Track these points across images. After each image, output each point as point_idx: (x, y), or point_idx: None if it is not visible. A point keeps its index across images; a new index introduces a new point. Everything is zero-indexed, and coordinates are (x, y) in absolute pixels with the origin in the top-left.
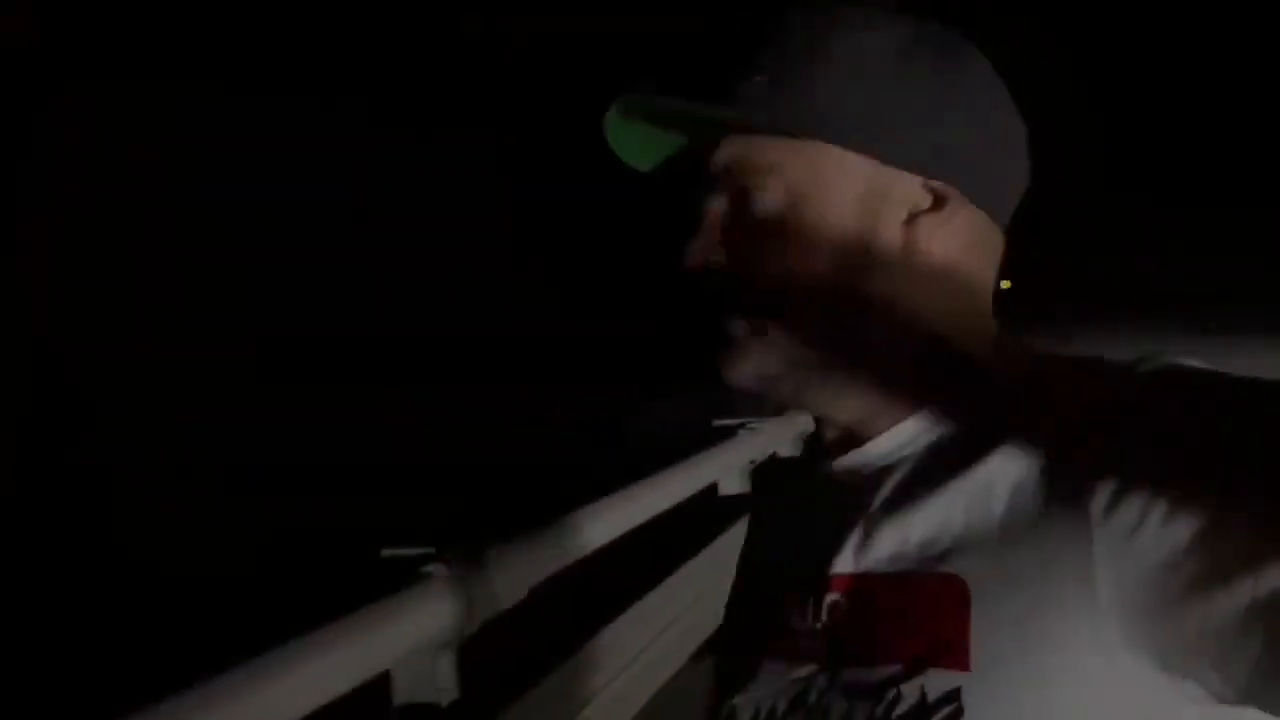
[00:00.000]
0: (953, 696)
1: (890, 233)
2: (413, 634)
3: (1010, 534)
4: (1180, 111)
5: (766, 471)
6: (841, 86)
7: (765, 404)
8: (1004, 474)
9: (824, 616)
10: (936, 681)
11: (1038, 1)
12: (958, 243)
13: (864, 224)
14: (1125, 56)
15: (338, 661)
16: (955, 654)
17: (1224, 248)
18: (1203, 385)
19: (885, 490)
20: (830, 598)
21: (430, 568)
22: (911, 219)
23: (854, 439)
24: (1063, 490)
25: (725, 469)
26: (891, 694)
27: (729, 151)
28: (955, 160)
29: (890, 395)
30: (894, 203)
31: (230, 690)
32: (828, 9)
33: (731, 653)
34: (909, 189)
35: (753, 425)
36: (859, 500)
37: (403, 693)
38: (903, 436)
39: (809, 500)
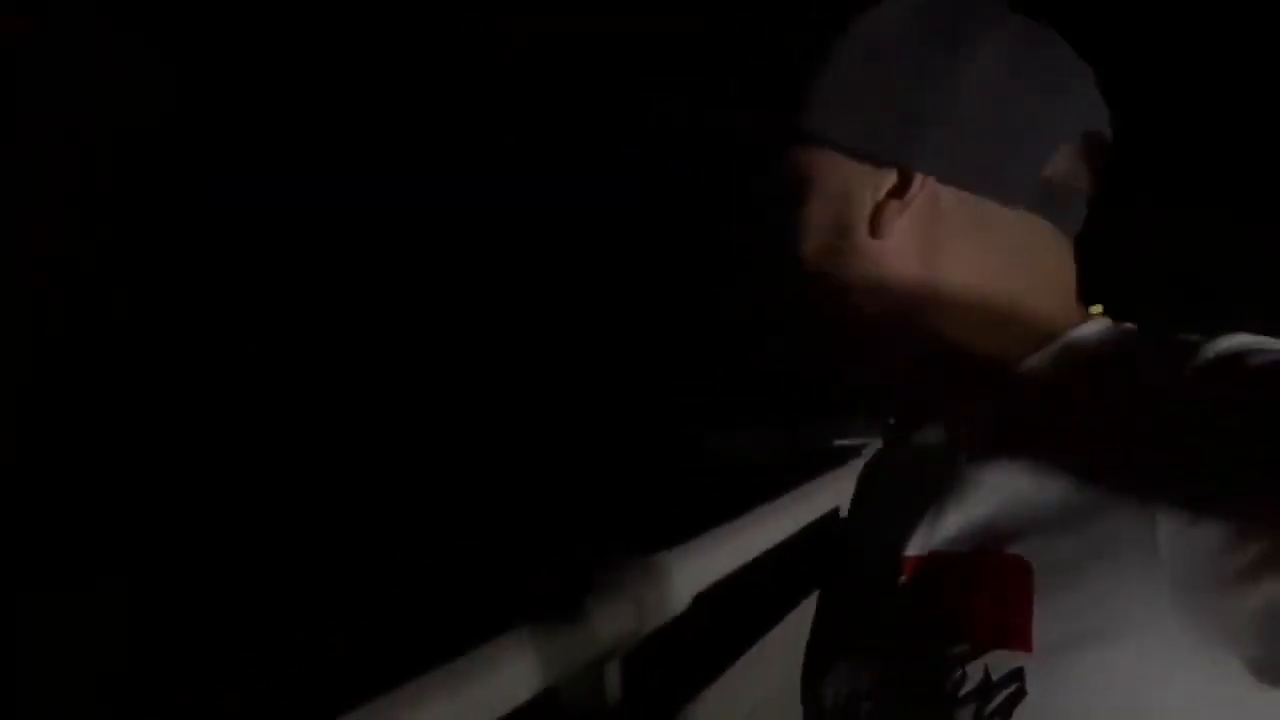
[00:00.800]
0: (1015, 677)
1: (859, 219)
2: (585, 642)
3: (1072, 518)
4: (1180, 112)
5: None
6: (814, 83)
7: (875, 425)
8: (1064, 458)
9: (897, 598)
10: (999, 662)
11: (1037, 2)
12: (936, 226)
13: (838, 215)
14: (1125, 56)
15: (514, 674)
16: (1018, 635)
17: (1224, 248)
18: (1272, 365)
19: (952, 472)
20: (902, 579)
21: (604, 573)
22: (879, 205)
23: (913, 423)
24: (1125, 474)
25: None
26: (957, 673)
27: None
28: (917, 140)
29: (912, 379)
30: (863, 191)
31: (395, 711)
32: (843, 16)
33: (819, 635)
34: (880, 176)
35: (874, 445)
36: (927, 483)
37: (569, 703)
38: (956, 419)
39: (888, 484)
